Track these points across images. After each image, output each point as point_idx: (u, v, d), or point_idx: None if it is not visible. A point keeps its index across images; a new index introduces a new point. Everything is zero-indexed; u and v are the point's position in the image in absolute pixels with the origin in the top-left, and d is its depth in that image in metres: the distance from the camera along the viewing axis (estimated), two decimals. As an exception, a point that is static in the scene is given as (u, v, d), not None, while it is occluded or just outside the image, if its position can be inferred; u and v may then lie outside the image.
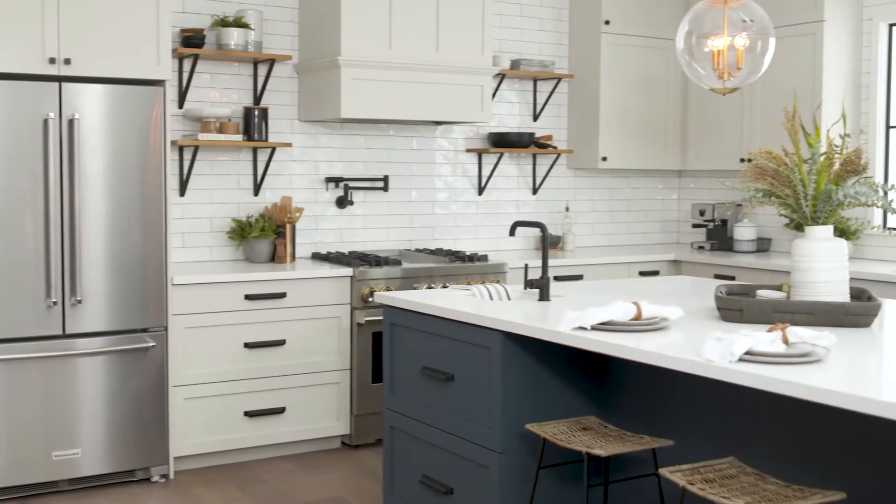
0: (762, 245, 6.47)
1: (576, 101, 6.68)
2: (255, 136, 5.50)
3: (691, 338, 3.03)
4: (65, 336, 4.64)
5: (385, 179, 6.07)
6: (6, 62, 4.47)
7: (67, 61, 4.58)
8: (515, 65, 6.34)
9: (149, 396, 4.82)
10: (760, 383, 2.52)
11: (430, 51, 5.64)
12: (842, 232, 5.79)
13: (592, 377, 3.65)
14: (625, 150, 6.58)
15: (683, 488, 2.60)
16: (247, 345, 5.09)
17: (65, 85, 4.59)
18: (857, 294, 3.49)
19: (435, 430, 3.76)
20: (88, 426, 4.69)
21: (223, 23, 5.41)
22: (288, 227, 5.54)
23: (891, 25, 5.92)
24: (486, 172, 6.46)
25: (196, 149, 5.42)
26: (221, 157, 5.61)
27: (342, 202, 5.95)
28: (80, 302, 4.64)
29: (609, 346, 2.98)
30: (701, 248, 6.65)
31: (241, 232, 5.54)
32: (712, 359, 2.67)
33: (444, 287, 5.04)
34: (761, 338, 2.71)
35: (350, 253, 5.80)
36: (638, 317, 3.18)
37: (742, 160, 6.26)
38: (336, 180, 5.92)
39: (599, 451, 3.02)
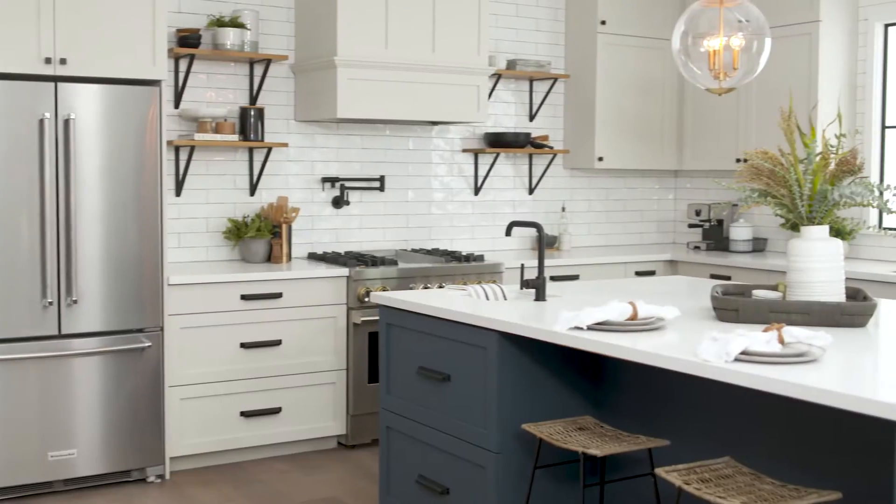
0: (758, 245, 6.48)
1: (572, 102, 6.69)
2: (252, 136, 5.49)
3: (687, 338, 3.03)
4: (60, 336, 4.64)
5: (381, 179, 6.07)
6: (2, 62, 4.47)
7: (63, 61, 4.58)
8: (511, 65, 6.35)
9: (145, 397, 4.81)
10: (756, 383, 2.52)
11: (426, 51, 5.64)
12: (837, 232, 5.79)
13: (588, 377, 3.65)
14: (621, 150, 6.59)
15: (679, 488, 2.61)
16: (243, 345, 5.09)
17: (60, 85, 4.59)
18: (853, 294, 3.49)
19: (431, 430, 3.76)
20: (84, 426, 4.68)
21: (219, 23, 5.41)
22: (284, 227, 5.53)
23: (886, 26, 5.92)
24: (482, 172, 6.46)
25: (192, 149, 5.42)
26: (217, 157, 5.61)
27: (338, 202, 5.94)
28: (75, 302, 4.64)
29: (605, 346, 2.98)
30: (697, 248, 6.66)
31: (238, 232, 5.53)
32: (708, 359, 2.68)
33: (441, 287, 5.04)
34: (757, 338, 2.72)
35: (346, 253, 5.80)
36: (634, 317, 3.18)
37: (738, 160, 6.27)
38: (332, 180, 5.92)
39: (595, 451, 3.02)
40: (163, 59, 4.81)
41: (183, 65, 5.45)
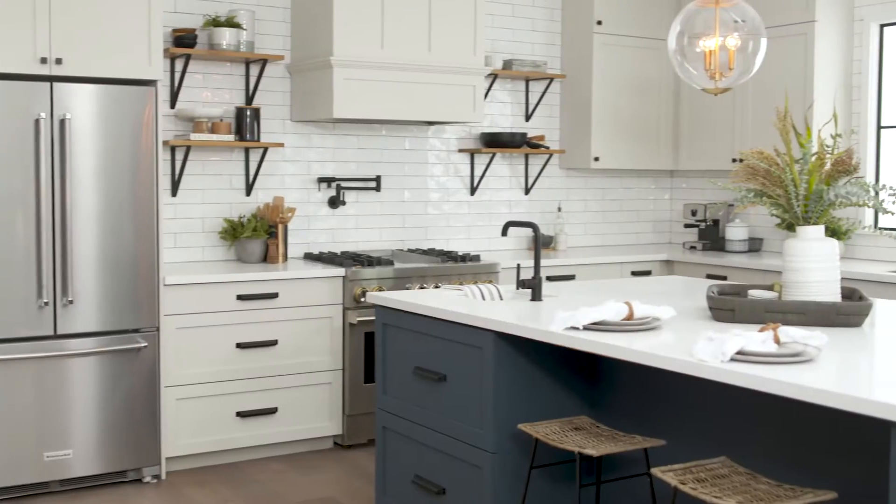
0: (754, 245, 6.48)
1: (568, 102, 6.69)
2: (247, 136, 5.49)
3: (683, 338, 3.04)
4: (56, 337, 4.63)
5: (377, 179, 6.06)
6: (-3, 62, 4.47)
7: (59, 61, 4.57)
8: (508, 65, 6.35)
9: (140, 397, 4.81)
10: (752, 383, 2.53)
11: (422, 51, 5.64)
12: (833, 232, 5.80)
13: (584, 377, 3.65)
14: (617, 150, 6.59)
15: (675, 488, 2.61)
16: (239, 345, 5.09)
17: (56, 85, 4.58)
18: (849, 294, 3.50)
19: (427, 431, 3.76)
20: (80, 427, 4.68)
21: (215, 23, 5.40)
22: (280, 227, 5.53)
23: (882, 26, 5.93)
24: (478, 172, 6.46)
25: (188, 149, 5.41)
26: (213, 157, 5.60)
27: (334, 202, 5.94)
28: (71, 302, 4.63)
29: (601, 346, 2.98)
30: (693, 247, 6.66)
31: (233, 232, 5.53)
32: (704, 358, 2.68)
33: (437, 287, 5.04)
34: (753, 338, 2.72)
35: (342, 253, 5.80)
36: (630, 317, 3.18)
37: (734, 160, 6.27)
38: (328, 180, 5.92)
39: (591, 451, 3.02)
40: (159, 58, 4.81)
41: (179, 65, 5.45)
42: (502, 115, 6.55)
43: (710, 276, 6.06)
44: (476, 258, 5.77)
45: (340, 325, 5.34)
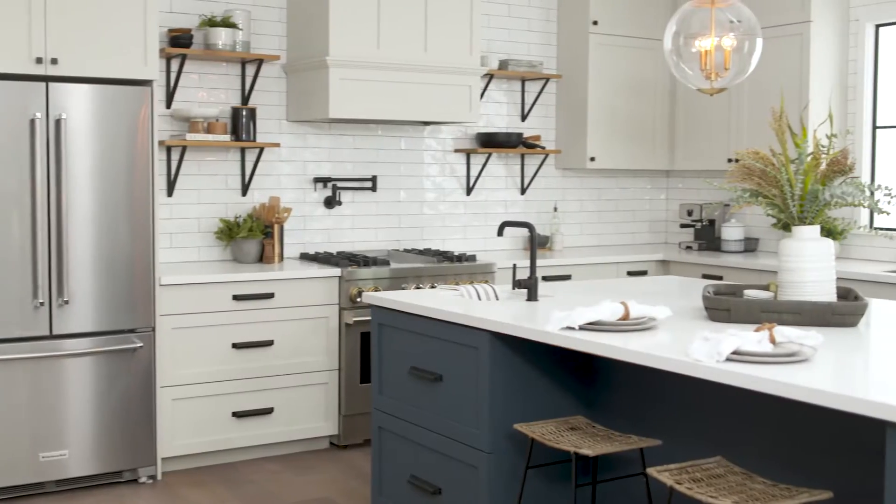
0: (749, 245, 6.49)
1: (564, 102, 6.69)
2: (243, 136, 5.49)
3: (679, 337, 3.04)
4: (52, 337, 4.63)
5: (373, 179, 6.06)
6: (-8, 62, 4.46)
7: (54, 61, 4.57)
8: (503, 65, 6.35)
9: (136, 397, 4.80)
10: (748, 383, 2.53)
11: (418, 51, 5.64)
12: (829, 232, 5.81)
13: (580, 377, 3.65)
14: (613, 150, 6.59)
15: (671, 488, 2.61)
16: (235, 345, 5.08)
17: (52, 85, 4.58)
18: (844, 294, 3.50)
19: (423, 431, 3.76)
20: (76, 427, 4.67)
21: (211, 23, 5.40)
22: (276, 227, 5.53)
23: (877, 26, 5.94)
24: (474, 172, 6.46)
25: (184, 149, 5.41)
26: (209, 157, 5.60)
27: (330, 202, 5.94)
28: (67, 303, 4.63)
29: (597, 346, 2.98)
30: (689, 247, 6.67)
31: (229, 232, 5.52)
32: (700, 358, 2.68)
33: (433, 287, 5.04)
34: (748, 337, 2.72)
35: (338, 253, 5.80)
36: (626, 317, 3.18)
37: (729, 160, 6.28)
38: (324, 180, 5.91)
39: (587, 451, 3.02)
40: (154, 59, 4.81)
41: (175, 65, 5.44)
42: (498, 115, 6.56)
43: (705, 276, 6.06)
44: (472, 258, 5.77)
45: (336, 326, 5.34)
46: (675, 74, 4.36)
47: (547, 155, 6.68)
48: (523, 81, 6.62)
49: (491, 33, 6.46)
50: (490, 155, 6.47)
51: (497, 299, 3.91)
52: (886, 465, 2.21)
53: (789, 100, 5.87)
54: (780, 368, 2.57)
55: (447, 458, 3.65)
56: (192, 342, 4.98)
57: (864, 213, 5.99)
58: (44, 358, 4.60)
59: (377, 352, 4.04)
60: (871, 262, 5.79)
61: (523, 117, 6.64)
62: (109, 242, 4.71)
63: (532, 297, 3.85)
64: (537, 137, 6.53)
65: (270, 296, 5.15)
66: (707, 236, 6.65)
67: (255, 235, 5.49)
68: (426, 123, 6.09)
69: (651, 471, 2.68)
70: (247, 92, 5.65)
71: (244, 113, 5.48)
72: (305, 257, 5.77)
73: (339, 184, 5.98)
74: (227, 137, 5.41)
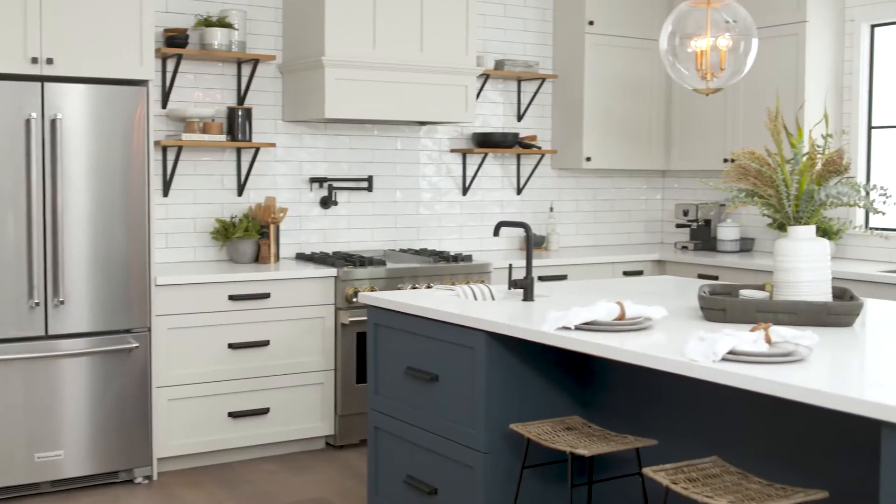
0: (745, 245, 6.49)
1: (560, 102, 6.69)
2: (239, 136, 5.48)
3: (675, 337, 3.04)
4: (47, 337, 4.62)
5: (369, 180, 6.06)
6: (-12, 62, 4.46)
7: (50, 61, 4.56)
8: (499, 65, 6.35)
9: (132, 397, 4.80)
10: (743, 383, 2.53)
11: (414, 51, 5.64)
12: (824, 232, 5.81)
13: (576, 377, 3.65)
14: (609, 150, 6.60)
15: (667, 487, 2.61)
16: (231, 345, 5.08)
17: (47, 85, 4.57)
18: (840, 293, 3.51)
19: (419, 431, 3.76)
20: (71, 427, 4.67)
21: (207, 23, 5.39)
22: (272, 227, 5.53)
23: (873, 26, 5.95)
24: (470, 173, 6.46)
25: (179, 149, 5.40)
26: (205, 157, 5.60)
27: (326, 202, 5.94)
28: (62, 303, 4.62)
29: (593, 346, 2.99)
30: (684, 247, 6.67)
31: (225, 232, 5.52)
32: (696, 358, 2.68)
33: (429, 287, 5.04)
34: (744, 337, 2.72)
35: (334, 253, 5.80)
36: (622, 317, 3.18)
37: (725, 160, 6.28)
38: (320, 180, 5.91)
39: (583, 451, 3.03)
40: (150, 58, 4.80)
41: (170, 65, 5.44)
42: (494, 115, 6.56)
43: (701, 276, 6.06)
44: (468, 258, 5.77)
45: (332, 326, 5.34)
46: (671, 74, 4.36)
47: (543, 155, 6.68)
48: (519, 81, 6.62)
49: (487, 33, 6.46)
50: (486, 155, 6.47)
51: (493, 299, 3.91)
52: (882, 465, 2.22)
53: (785, 100, 5.88)
54: (775, 368, 2.58)
55: (443, 458, 3.65)
56: (188, 342, 4.98)
57: (860, 213, 6.00)
58: (39, 358, 4.59)
59: (373, 352, 4.03)
60: (867, 262, 5.79)
61: (519, 117, 6.64)
62: (105, 242, 4.71)
63: (528, 297, 3.85)
64: (533, 137, 6.53)
65: (266, 296, 5.15)
66: (703, 236, 6.66)
67: (250, 235, 5.49)
68: (422, 123, 6.09)
69: (647, 471, 2.68)
70: (242, 92, 5.65)
71: (240, 113, 5.48)
72: (301, 257, 5.76)
73: (335, 184, 5.98)
74: (223, 137, 5.41)
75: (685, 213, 6.72)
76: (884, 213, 3.53)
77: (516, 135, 6.37)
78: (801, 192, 3.44)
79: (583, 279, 5.80)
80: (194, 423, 5.02)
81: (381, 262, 5.49)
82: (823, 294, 3.41)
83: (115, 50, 4.72)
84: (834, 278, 5.21)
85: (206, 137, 5.35)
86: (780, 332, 2.78)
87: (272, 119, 5.78)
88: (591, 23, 6.46)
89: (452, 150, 6.37)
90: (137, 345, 4.79)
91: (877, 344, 3.00)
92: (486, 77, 6.36)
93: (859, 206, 3.46)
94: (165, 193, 5.48)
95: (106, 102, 4.69)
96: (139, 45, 4.77)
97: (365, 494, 4.67)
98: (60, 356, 4.63)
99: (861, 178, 5.98)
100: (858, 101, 5.95)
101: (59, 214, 4.59)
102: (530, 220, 6.70)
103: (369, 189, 6.06)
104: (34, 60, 4.53)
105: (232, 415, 5.10)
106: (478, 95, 6.38)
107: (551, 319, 3.19)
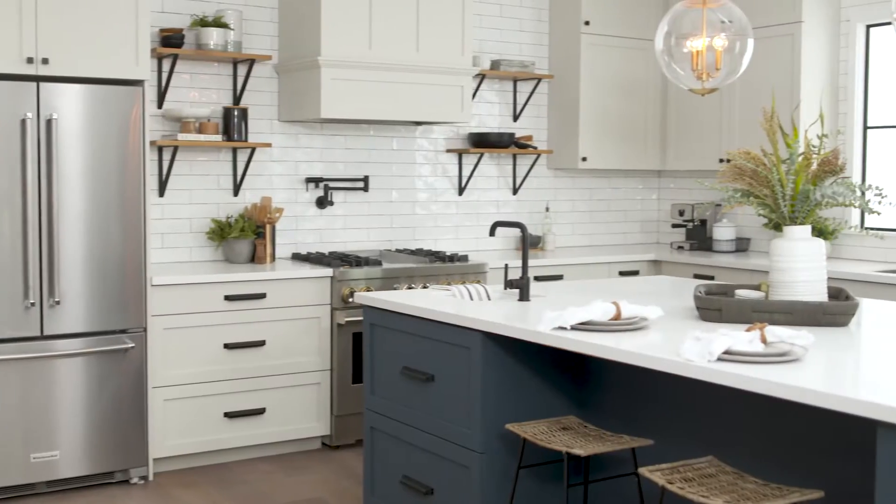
0: (741, 245, 6.50)
1: (556, 102, 6.70)
2: (235, 136, 5.48)
3: (671, 337, 3.04)
4: (43, 337, 4.61)
5: (365, 180, 6.06)
6: (-17, 62, 4.45)
7: (45, 61, 4.56)
8: (495, 65, 6.35)
9: (128, 398, 4.79)
10: (739, 382, 2.53)
11: (410, 51, 5.64)
12: (820, 232, 5.82)
13: (572, 377, 3.65)
14: (604, 150, 6.60)
15: (663, 487, 2.61)
16: (226, 345, 5.08)
17: (43, 85, 4.56)
18: (835, 293, 3.51)
19: (415, 431, 3.76)
20: (67, 428, 4.66)
21: (202, 23, 5.39)
22: (268, 227, 5.52)
23: (868, 27, 5.95)
24: (466, 173, 6.47)
25: (175, 149, 5.40)
26: (201, 157, 5.59)
27: (322, 202, 5.94)
28: (58, 303, 4.62)
29: (589, 346, 2.99)
30: (680, 247, 6.67)
31: (221, 232, 5.52)
32: (691, 358, 2.69)
33: (425, 287, 5.03)
34: (740, 337, 2.72)
35: (330, 253, 5.79)
36: (617, 317, 3.18)
37: (721, 160, 6.29)
38: (316, 180, 5.91)
39: (579, 451, 3.03)
40: (146, 59, 4.80)
41: (166, 65, 5.43)
42: (490, 115, 6.56)
43: (697, 276, 6.07)
44: (464, 258, 5.77)
45: (328, 326, 5.34)
46: (667, 75, 4.36)
47: (539, 155, 6.68)
48: (515, 81, 6.63)
49: (483, 33, 6.46)
50: (482, 155, 6.47)
51: (489, 299, 3.91)
52: (877, 465, 2.22)
53: (780, 100, 5.88)
54: (771, 368, 2.58)
55: (439, 459, 3.65)
56: (184, 342, 4.97)
57: (855, 213, 6.01)
58: (35, 359, 4.58)
59: (369, 352, 4.03)
60: (862, 261, 5.80)
61: (515, 117, 6.64)
62: (101, 243, 4.70)
63: (524, 297, 3.86)
64: (529, 137, 6.54)
65: (262, 296, 5.14)
66: (698, 236, 6.66)
67: (246, 236, 5.49)
68: (418, 123, 6.09)
69: (643, 470, 2.69)
70: (238, 92, 5.65)
71: (236, 113, 5.47)
72: (297, 257, 5.76)
73: (331, 184, 5.97)
74: (219, 137, 5.41)
75: (681, 213, 6.73)
76: (879, 213, 3.53)
77: (512, 135, 6.37)
78: (797, 192, 3.44)
79: (579, 279, 5.80)
80: (190, 424, 5.02)
81: (377, 263, 5.49)
82: (819, 294, 3.42)
83: (110, 50, 4.71)
84: (829, 278, 5.22)
85: (201, 137, 5.35)
86: (776, 332, 2.78)
87: (268, 119, 5.78)
88: (586, 23, 6.46)
89: (448, 150, 6.37)
90: (133, 345, 4.78)
91: (872, 344, 3.01)
92: (482, 77, 6.36)
93: (855, 206, 3.47)
94: (161, 193, 5.47)
95: (102, 102, 4.68)
96: (135, 45, 4.77)
97: (361, 495, 4.67)
98: (56, 356, 4.63)
99: (856, 178, 5.99)
100: (854, 101, 5.96)
101: (54, 214, 4.59)
102: (526, 220, 6.70)
103: (365, 189, 6.06)
104: (30, 60, 4.53)
105: (228, 415, 5.10)
106: (474, 95, 6.38)
107: (547, 319, 3.19)
